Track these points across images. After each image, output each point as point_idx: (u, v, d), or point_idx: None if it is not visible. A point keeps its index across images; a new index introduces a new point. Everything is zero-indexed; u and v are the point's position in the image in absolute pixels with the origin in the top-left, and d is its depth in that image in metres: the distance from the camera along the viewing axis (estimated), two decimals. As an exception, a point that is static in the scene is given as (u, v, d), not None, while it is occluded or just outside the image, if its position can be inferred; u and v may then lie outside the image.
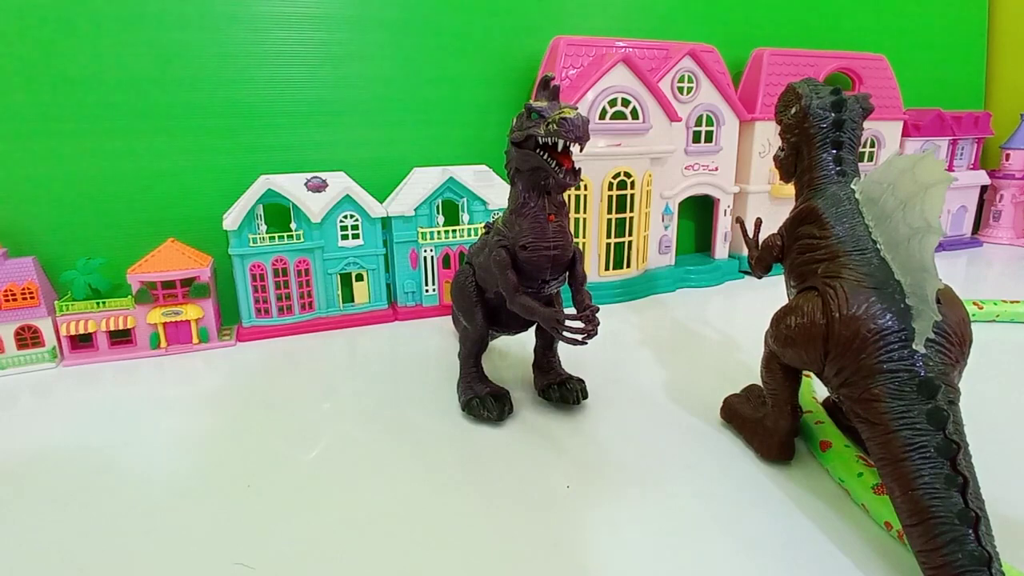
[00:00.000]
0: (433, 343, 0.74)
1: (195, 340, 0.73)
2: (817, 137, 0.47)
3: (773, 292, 0.53)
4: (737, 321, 0.83)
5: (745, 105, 0.98)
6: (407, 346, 0.74)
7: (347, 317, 0.80)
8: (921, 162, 0.38)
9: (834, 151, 0.47)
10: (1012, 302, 0.79)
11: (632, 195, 0.87)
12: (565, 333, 0.49)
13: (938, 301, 0.38)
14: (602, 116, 0.83)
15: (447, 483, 0.46)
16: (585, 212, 0.86)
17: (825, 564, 0.37)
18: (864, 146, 1.08)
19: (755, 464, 0.48)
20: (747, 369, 0.64)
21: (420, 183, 0.82)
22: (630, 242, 0.90)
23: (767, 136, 0.99)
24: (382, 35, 0.85)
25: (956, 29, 1.30)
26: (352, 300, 0.81)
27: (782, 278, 0.50)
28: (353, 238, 0.79)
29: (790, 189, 1.05)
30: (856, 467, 0.44)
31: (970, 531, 0.32)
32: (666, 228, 0.97)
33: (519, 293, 0.51)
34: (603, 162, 0.84)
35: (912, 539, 0.35)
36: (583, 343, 0.49)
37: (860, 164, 0.48)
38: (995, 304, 0.78)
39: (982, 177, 1.24)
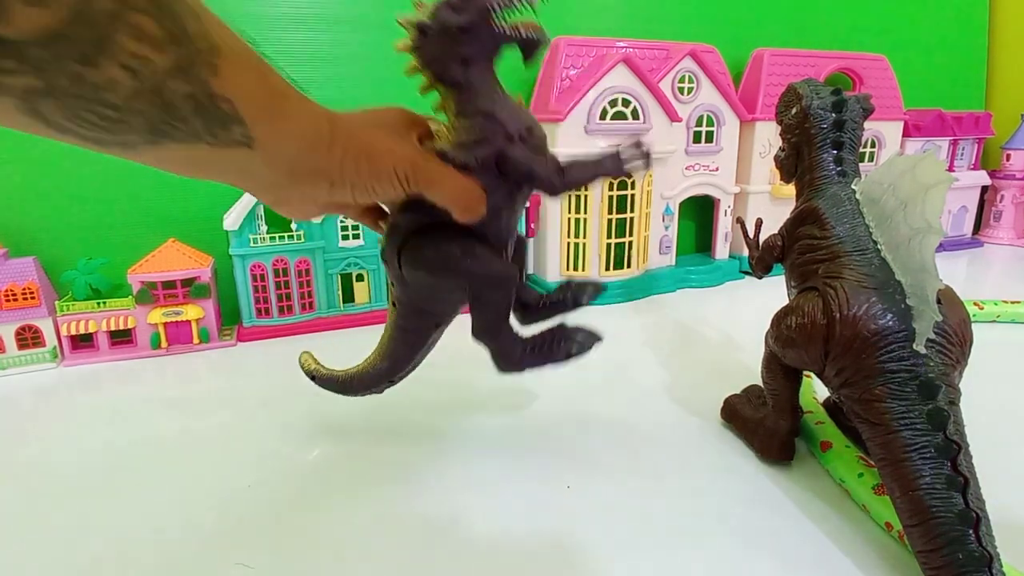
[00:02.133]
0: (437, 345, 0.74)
1: (196, 340, 0.73)
2: (818, 137, 0.47)
3: (774, 292, 0.53)
4: (738, 321, 0.83)
5: (746, 105, 0.98)
6: (407, 346, 0.74)
7: (347, 317, 0.80)
8: (922, 163, 0.38)
9: (835, 151, 0.47)
10: (1013, 303, 0.79)
11: (632, 195, 0.87)
12: (630, 161, 0.40)
13: (939, 302, 0.38)
14: (603, 116, 0.83)
15: (447, 483, 0.46)
16: (585, 212, 0.86)
17: (826, 564, 0.37)
18: (864, 146, 1.08)
19: (756, 464, 0.48)
20: (747, 369, 0.64)
21: (420, 183, 0.82)
22: (630, 242, 0.90)
23: (767, 136, 0.99)
24: (381, 36, 0.85)
25: (957, 30, 1.30)
26: (352, 300, 0.81)
27: (782, 278, 0.50)
28: (354, 238, 0.79)
29: (791, 189, 1.05)
30: (857, 467, 0.44)
31: (971, 531, 0.33)
32: (666, 228, 0.97)
33: (568, 169, 0.39)
34: (603, 162, 0.84)
35: (913, 539, 0.35)
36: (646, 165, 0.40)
37: (860, 164, 0.48)
38: (996, 304, 0.78)
39: (983, 177, 1.24)
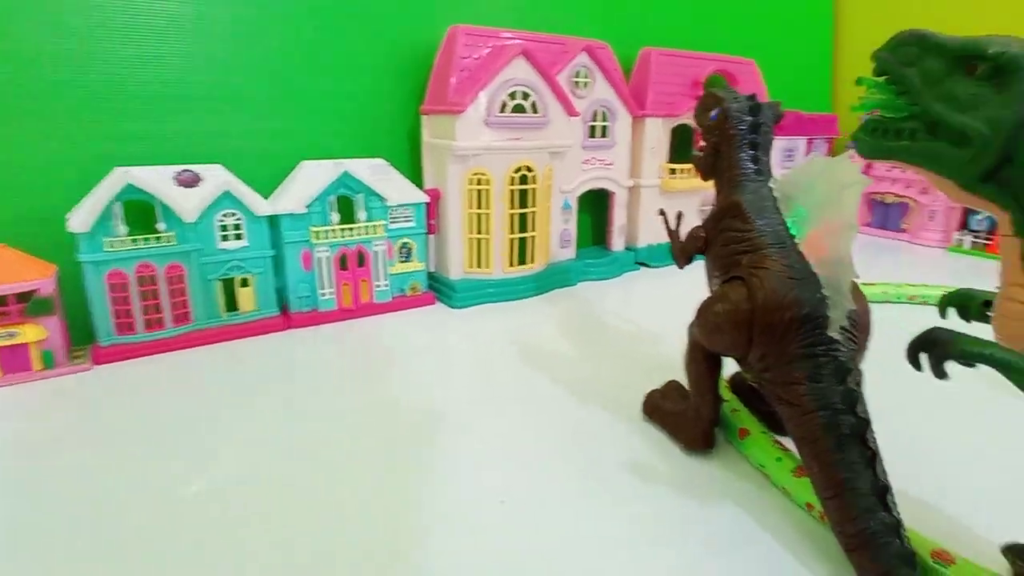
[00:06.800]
0: (332, 351, 0.68)
1: (37, 367, 0.61)
2: (736, 138, 0.49)
3: (670, 280, 0.55)
4: (638, 312, 0.85)
5: (636, 101, 1.00)
6: (303, 356, 0.67)
7: (231, 328, 0.71)
8: (838, 165, 0.40)
9: (751, 152, 0.49)
10: (868, 284, 0.88)
11: (534, 190, 0.86)
12: None
13: None
14: (502, 109, 0.81)
15: (359, 509, 0.42)
16: (488, 208, 0.84)
17: (751, 546, 0.39)
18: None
19: (678, 456, 0.49)
20: (658, 358, 0.66)
21: (310, 178, 0.75)
22: (533, 237, 0.89)
23: (657, 132, 1.03)
24: (264, 14, 0.76)
25: (806, 38, 1.44)
26: (236, 308, 0.72)
27: (672, 268, 0.52)
28: (235, 239, 0.70)
29: (680, 183, 1.10)
30: (775, 452, 0.46)
31: (880, 501, 0.36)
32: (566, 222, 0.98)
33: None
34: (504, 156, 0.82)
35: (829, 511, 0.38)
36: None
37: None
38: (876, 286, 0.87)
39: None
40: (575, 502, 0.43)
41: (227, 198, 0.68)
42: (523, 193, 0.86)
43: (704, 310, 0.46)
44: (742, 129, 0.49)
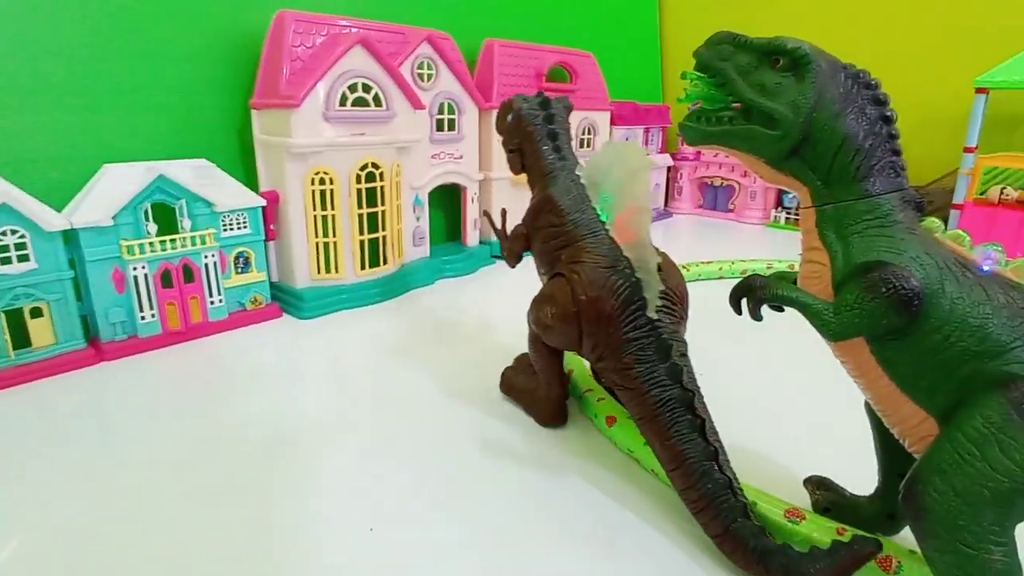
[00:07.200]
0: (158, 381, 0.60)
1: None
2: (535, 133, 0.53)
3: (526, 272, 0.58)
4: (497, 305, 0.85)
5: (482, 93, 0.99)
6: (122, 391, 0.58)
7: (23, 368, 0.59)
8: (626, 149, 0.42)
9: (552, 141, 0.53)
10: (707, 263, 0.95)
11: (382, 187, 0.82)
12: None
13: (659, 268, 0.43)
14: (342, 103, 0.76)
15: (200, 565, 0.36)
16: (333, 208, 0.78)
17: (625, 528, 0.40)
18: (584, 133, 1.19)
19: (548, 446, 0.49)
20: (519, 349, 0.65)
21: (117, 184, 0.64)
22: (384, 237, 0.85)
23: (504, 125, 1.03)
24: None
25: (638, 36, 1.53)
26: (28, 344, 0.61)
27: (527, 259, 0.54)
28: (19, 260, 0.58)
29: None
30: (641, 436, 0.47)
31: (714, 463, 0.38)
32: (418, 220, 0.95)
33: None
34: (348, 152, 0.77)
35: (675, 482, 0.40)
36: None
37: (581, 150, 0.54)
38: (697, 266, 0.94)
39: (668, 159, 1.49)
40: (446, 506, 0.41)
41: (2, 212, 0.57)
42: (371, 191, 0.81)
43: (536, 309, 0.47)
44: (537, 125, 0.53)
